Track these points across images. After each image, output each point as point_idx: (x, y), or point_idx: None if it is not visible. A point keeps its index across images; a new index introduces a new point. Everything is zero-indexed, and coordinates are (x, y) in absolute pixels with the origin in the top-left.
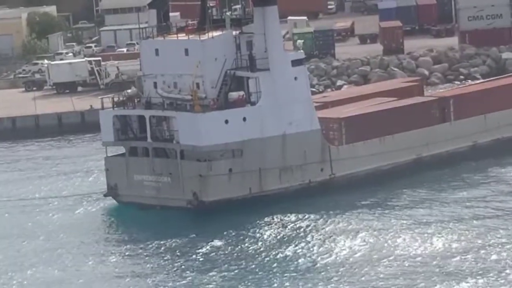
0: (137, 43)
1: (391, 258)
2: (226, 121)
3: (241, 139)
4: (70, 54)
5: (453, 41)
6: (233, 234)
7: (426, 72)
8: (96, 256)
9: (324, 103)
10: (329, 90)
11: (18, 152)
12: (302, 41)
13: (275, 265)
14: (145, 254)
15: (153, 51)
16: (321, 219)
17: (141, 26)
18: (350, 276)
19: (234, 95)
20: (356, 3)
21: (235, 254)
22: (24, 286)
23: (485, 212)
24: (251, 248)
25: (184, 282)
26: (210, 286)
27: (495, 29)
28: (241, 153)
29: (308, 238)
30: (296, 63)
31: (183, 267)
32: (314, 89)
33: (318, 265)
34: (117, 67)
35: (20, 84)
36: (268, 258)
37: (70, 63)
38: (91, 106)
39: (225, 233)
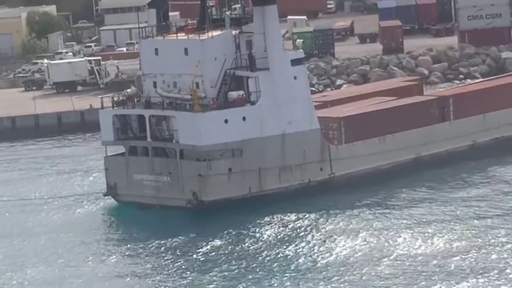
0: (137, 43)
1: (391, 257)
2: (226, 121)
3: (240, 138)
4: (70, 53)
5: (453, 40)
6: (233, 233)
7: (426, 72)
8: (96, 255)
9: (323, 102)
10: (328, 89)
11: (18, 152)
12: (302, 40)
13: (275, 264)
14: (145, 253)
15: (153, 50)
16: (321, 219)
17: (141, 25)
18: (351, 276)
19: (233, 94)
20: (355, 3)
21: (235, 254)
22: (24, 286)
23: (485, 211)
24: (251, 247)
25: (184, 282)
26: (210, 286)
27: (494, 28)
28: (241, 153)
29: (308, 238)
30: (295, 62)
31: (183, 267)
32: (313, 89)
33: (318, 264)
34: (117, 67)
35: (20, 84)
36: (268, 258)
37: (69, 63)
38: (90, 105)
39: (225, 232)
